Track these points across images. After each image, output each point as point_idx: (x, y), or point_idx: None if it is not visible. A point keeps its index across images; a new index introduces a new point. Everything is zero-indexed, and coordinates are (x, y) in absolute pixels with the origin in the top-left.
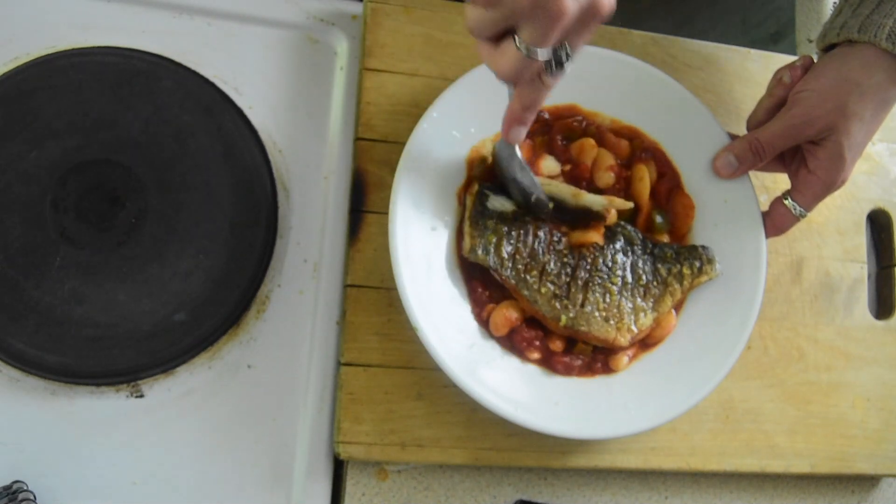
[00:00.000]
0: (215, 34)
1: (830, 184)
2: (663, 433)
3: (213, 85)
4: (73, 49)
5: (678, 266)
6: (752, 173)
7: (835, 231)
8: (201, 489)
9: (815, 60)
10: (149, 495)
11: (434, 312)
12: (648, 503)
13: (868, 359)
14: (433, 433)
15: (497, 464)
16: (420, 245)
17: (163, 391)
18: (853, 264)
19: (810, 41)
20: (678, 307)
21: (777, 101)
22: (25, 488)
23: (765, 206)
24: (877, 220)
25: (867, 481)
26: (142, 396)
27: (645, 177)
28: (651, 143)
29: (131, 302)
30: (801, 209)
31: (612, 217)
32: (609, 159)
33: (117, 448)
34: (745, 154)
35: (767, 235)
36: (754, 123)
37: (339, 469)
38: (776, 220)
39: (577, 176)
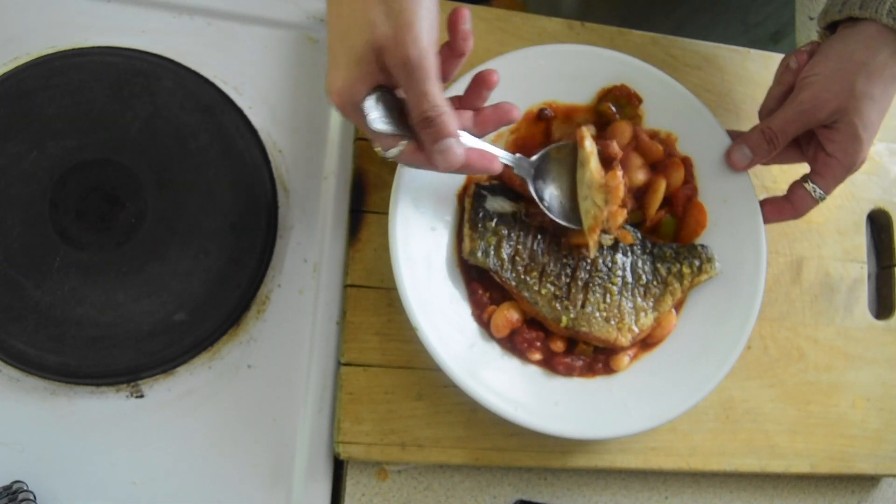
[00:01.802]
0: (215, 34)
1: (850, 165)
2: (663, 433)
3: (213, 85)
4: (73, 49)
5: (678, 265)
6: (752, 173)
7: (835, 231)
8: (201, 489)
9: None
10: (149, 495)
11: (434, 312)
12: (648, 503)
13: (868, 359)
14: (433, 433)
15: (497, 464)
16: (420, 245)
17: (163, 391)
18: (853, 264)
19: (811, 18)
20: (678, 307)
21: (786, 88)
22: (25, 488)
23: None
24: (877, 220)
25: (867, 481)
26: (142, 396)
27: (660, 189)
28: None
29: (131, 302)
30: (821, 192)
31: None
32: (637, 162)
33: (117, 448)
34: (759, 144)
35: (785, 219)
36: (766, 112)
37: (339, 469)
38: (796, 204)
39: (603, 155)
